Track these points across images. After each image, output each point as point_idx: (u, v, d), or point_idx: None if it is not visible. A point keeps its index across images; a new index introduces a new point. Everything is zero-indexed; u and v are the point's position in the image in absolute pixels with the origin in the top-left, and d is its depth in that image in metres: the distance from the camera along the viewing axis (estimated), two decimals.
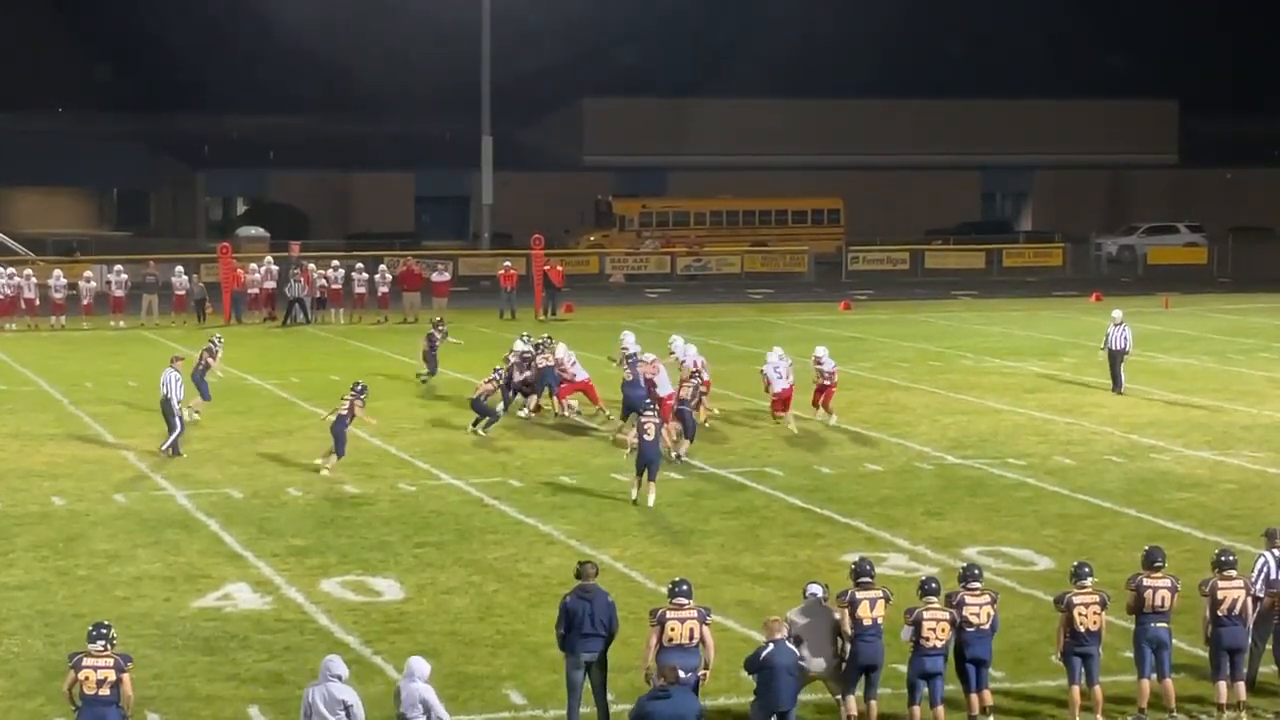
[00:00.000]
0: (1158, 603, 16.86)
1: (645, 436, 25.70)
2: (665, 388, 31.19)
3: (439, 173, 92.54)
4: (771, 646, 15.63)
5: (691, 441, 29.56)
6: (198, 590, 21.42)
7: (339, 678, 14.50)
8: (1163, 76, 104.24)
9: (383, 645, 19.08)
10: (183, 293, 52.79)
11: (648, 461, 25.78)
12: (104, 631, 15.09)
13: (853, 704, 16.47)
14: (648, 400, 28.24)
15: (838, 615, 16.53)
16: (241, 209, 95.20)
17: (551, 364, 33.49)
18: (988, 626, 16.59)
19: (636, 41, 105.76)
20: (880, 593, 16.59)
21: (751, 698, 15.93)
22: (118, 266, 54.32)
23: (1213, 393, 37.33)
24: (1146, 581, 16.92)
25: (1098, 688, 16.76)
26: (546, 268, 55.21)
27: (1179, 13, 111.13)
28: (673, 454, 28.65)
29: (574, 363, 33.90)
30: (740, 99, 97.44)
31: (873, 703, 16.56)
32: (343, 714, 14.38)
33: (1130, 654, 17.20)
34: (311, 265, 53.68)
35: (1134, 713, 16.90)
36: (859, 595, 16.50)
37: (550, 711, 17.03)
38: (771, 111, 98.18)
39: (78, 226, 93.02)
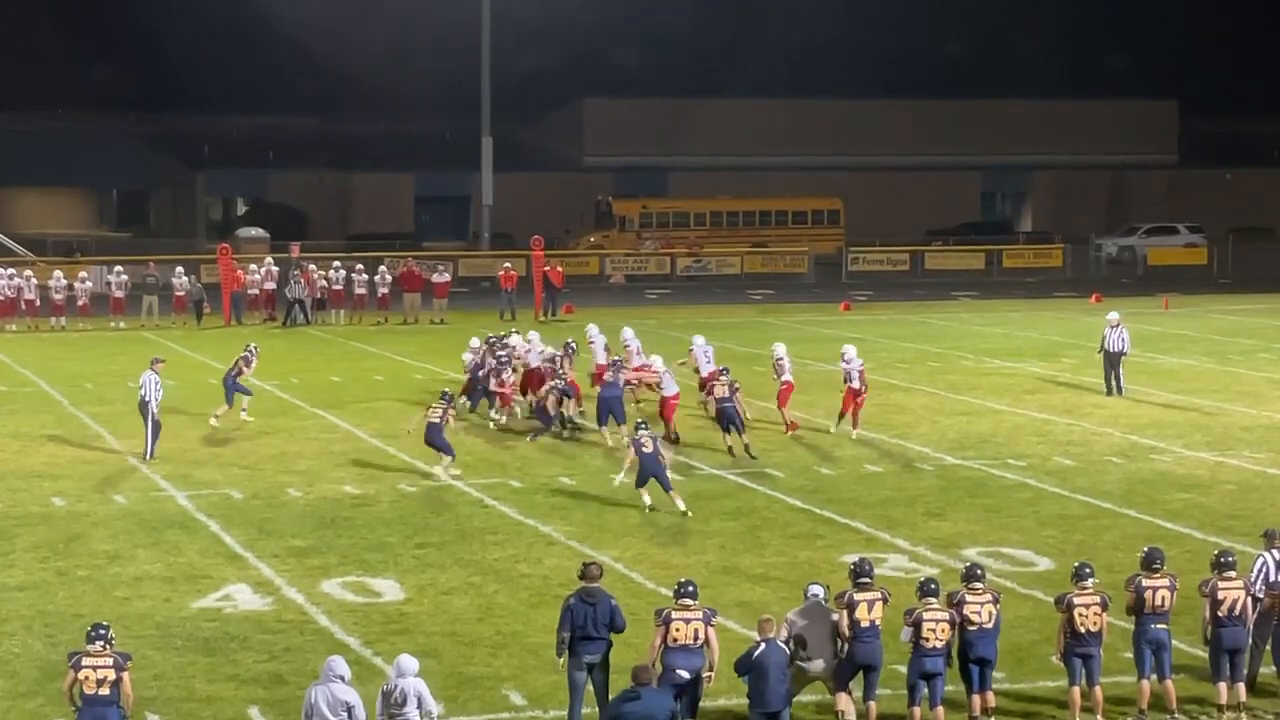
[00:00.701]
0: (1157, 603, 16.87)
1: (643, 450, 25.04)
2: (670, 388, 31.17)
3: (439, 173, 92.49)
4: (763, 646, 15.64)
5: (743, 432, 29.40)
6: (198, 591, 21.44)
7: (342, 679, 14.53)
8: (1163, 76, 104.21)
9: (383, 646, 19.08)
10: (182, 294, 52.79)
11: (651, 474, 25.13)
12: (103, 632, 15.12)
13: (843, 700, 16.45)
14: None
15: (836, 616, 16.55)
16: (241, 209, 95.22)
17: (506, 360, 32.97)
18: (990, 625, 16.59)
19: (637, 42, 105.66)
20: (879, 594, 16.61)
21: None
22: (118, 267, 54.33)
23: (1212, 393, 37.32)
24: (1146, 582, 16.92)
25: (1098, 689, 16.78)
26: (546, 269, 55.19)
27: (1179, 13, 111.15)
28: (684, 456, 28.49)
29: (530, 351, 33.38)
30: (740, 99, 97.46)
31: (872, 704, 16.57)
32: (345, 715, 14.42)
33: (1130, 655, 17.22)
34: (312, 266, 53.71)
35: (1134, 714, 16.91)
36: (857, 597, 16.51)
37: (550, 712, 17.05)
38: (771, 112, 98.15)
39: (77, 227, 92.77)
